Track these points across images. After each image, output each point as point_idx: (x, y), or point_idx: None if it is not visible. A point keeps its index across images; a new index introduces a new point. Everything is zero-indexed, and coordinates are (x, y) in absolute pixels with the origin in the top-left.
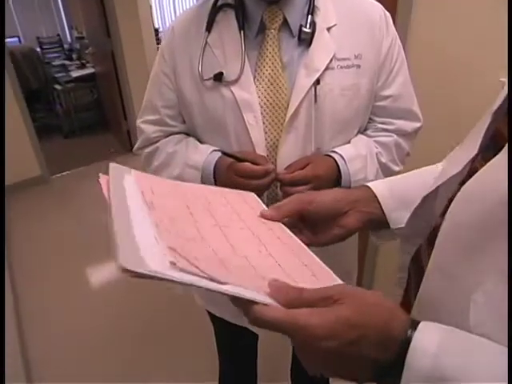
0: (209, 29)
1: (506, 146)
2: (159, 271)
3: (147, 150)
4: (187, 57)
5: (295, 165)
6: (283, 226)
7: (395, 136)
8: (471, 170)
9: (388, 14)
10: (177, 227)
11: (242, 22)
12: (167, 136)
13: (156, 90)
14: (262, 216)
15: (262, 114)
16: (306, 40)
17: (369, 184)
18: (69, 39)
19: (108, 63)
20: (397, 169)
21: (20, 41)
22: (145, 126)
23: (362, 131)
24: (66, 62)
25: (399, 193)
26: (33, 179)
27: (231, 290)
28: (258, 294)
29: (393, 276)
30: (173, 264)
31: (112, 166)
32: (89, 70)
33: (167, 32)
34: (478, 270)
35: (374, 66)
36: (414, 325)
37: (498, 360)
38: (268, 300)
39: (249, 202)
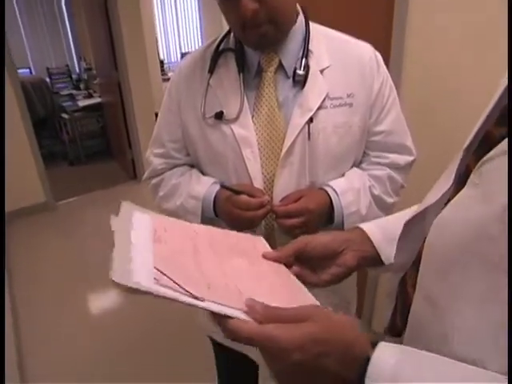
0: (211, 70)
1: (470, 179)
2: (143, 285)
3: (154, 180)
4: (192, 96)
5: (289, 198)
6: (283, 266)
7: (388, 169)
8: (448, 200)
9: (378, 54)
10: (174, 257)
11: (242, 65)
12: (173, 168)
13: (163, 126)
14: (265, 256)
15: (259, 149)
16: (300, 81)
17: (361, 225)
18: (77, 70)
19: (114, 93)
20: (391, 201)
21: (31, 71)
22: (152, 158)
23: (357, 164)
24: (74, 92)
25: (390, 231)
26: (38, 205)
27: (208, 307)
28: (234, 310)
29: None
30: (156, 280)
31: (124, 203)
32: (95, 100)
33: (175, 72)
34: (456, 297)
35: (366, 105)
36: (374, 345)
37: (449, 373)
38: (243, 316)
39: (256, 246)
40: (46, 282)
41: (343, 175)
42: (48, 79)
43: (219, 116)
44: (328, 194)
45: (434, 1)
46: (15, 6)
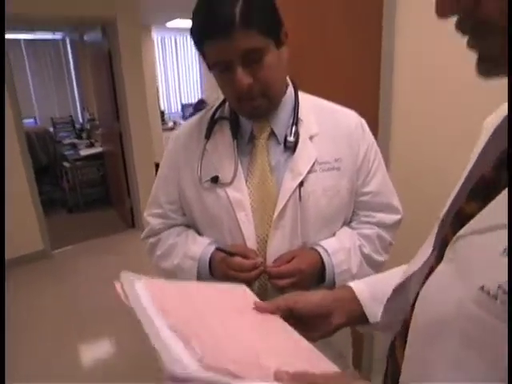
0: (207, 137)
1: (446, 253)
2: (197, 375)
3: (151, 240)
4: (189, 160)
5: (282, 258)
6: (279, 318)
7: (377, 228)
8: (431, 267)
9: (363, 121)
10: (191, 329)
11: (236, 133)
12: (170, 227)
13: (161, 187)
14: (257, 307)
15: (252, 212)
16: (290, 147)
17: (351, 284)
18: (80, 120)
19: (115, 143)
20: (380, 259)
21: (36, 121)
22: (150, 218)
23: (348, 223)
24: (76, 141)
25: (378, 290)
26: (35, 253)
27: None
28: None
29: None
30: (200, 362)
31: (123, 274)
32: (97, 149)
33: (173, 137)
34: (439, 367)
35: (353, 169)
36: None
37: None
38: None
39: (246, 296)
40: (38, 331)
41: (334, 235)
42: (52, 128)
43: (215, 180)
44: (319, 254)
45: (420, 64)
46: (25, 56)
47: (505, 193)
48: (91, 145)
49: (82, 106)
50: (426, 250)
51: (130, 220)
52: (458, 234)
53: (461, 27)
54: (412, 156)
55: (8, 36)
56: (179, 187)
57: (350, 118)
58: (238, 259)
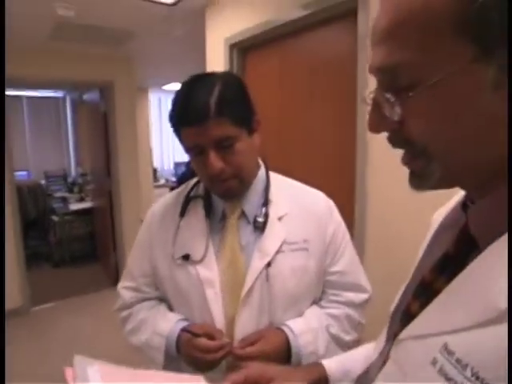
0: (182, 214)
1: (391, 352)
2: None
3: (123, 314)
4: (163, 236)
5: (248, 339)
6: None
7: (346, 307)
8: (385, 358)
9: (332, 202)
10: None
11: (209, 211)
12: (142, 301)
13: (135, 260)
14: None
15: (222, 289)
16: (259, 227)
17: (323, 362)
18: (73, 174)
19: (105, 199)
20: (349, 338)
21: (29, 174)
22: (123, 291)
23: (317, 301)
24: (67, 195)
25: (347, 368)
26: (12, 310)
27: None
28: None
29: None
30: None
31: (76, 358)
32: (86, 204)
33: (149, 212)
34: None
35: (321, 249)
36: None
37: None
38: None
39: None
40: None
41: (302, 314)
42: (44, 181)
43: (186, 257)
44: (286, 335)
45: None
46: (25, 111)
47: (439, 300)
48: (81, 199)
49: (76, 161)
50: (380, 342)
51: (115, 275)
52: (398, 337)
53: (391, 141)
54: (388, 231)
55: (10, 93)
56: (152, 262)
57: (317, 199)
58: (203, 340)
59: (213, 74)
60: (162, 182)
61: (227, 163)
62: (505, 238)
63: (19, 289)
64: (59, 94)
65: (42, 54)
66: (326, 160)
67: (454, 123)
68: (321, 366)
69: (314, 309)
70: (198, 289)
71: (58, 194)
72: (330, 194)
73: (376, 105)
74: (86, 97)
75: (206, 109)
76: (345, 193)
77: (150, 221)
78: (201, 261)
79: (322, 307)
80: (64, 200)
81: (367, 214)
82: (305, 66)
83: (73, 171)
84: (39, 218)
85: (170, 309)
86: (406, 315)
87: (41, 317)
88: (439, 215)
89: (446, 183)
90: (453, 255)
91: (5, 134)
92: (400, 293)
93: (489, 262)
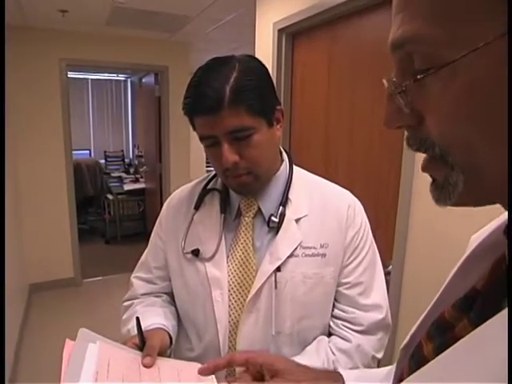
0: (197, 207)
1: None
2: None
3: (126, 303)
4: (175, 228)
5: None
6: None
7: (356, 335)
8: None
9: (359, 204)
10: None
11: (224, 207)
12: (153, 294)
13: (152, 251)
14: (199, 372)
15: (229, 291)
16: (274, 228)
17: (341, 372)
18: (131, 155)
19: (156, 182)
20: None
21: (91, 153)
22: (136, 281)
23: (327, 322)
24: (123, 175)
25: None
26: (64, 280)
27: None
28: None
29: None
30: None
31: (81, 331)
32: (140, 185)
33: (166, 203)
34: None
35: (340, 255)
36: None
37: None
38: None
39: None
40: (53, 356)
41: (314, 328)
42: (104, 161)
43: (196, 253)
44: None
45: None
46: (90, 94)
47: (456, 349)
48: (136, 180)
49: (133, 143)
50: (390, 374)
51: None
52: (404, 381)
53: (407, 142)
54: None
55: (77, 75)
56: (165, 255)
57: (342, 198)
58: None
59: (232, 58)
60: None
61: (242, 156)
62: None
63: (72, 262)
64: (122, 77)
65: (100, 39)
66: (369, 157)
67: (479, 118)
68: (339, 375)
69: (319, 342)
70: (204, 288)
71: (116, 174)
72: (371, 196)
73: (391, 96)
74: (144, 81)
75: (221, 96)
76: (390, 196)
77: (166, 211)
78: (211, 258)
79: (330, 336)
80: (120, 180)
81: (410, 220)
82: (355, 51)
83: (130, 152)
84: (97, 196)
85: (175, 304)
86: (417, 355)
87: (92, 289)
88: (478, 238)
89: (476, 199)
90: (483, 291)
91: (5, 134)
92: (413, 329)
93: None
